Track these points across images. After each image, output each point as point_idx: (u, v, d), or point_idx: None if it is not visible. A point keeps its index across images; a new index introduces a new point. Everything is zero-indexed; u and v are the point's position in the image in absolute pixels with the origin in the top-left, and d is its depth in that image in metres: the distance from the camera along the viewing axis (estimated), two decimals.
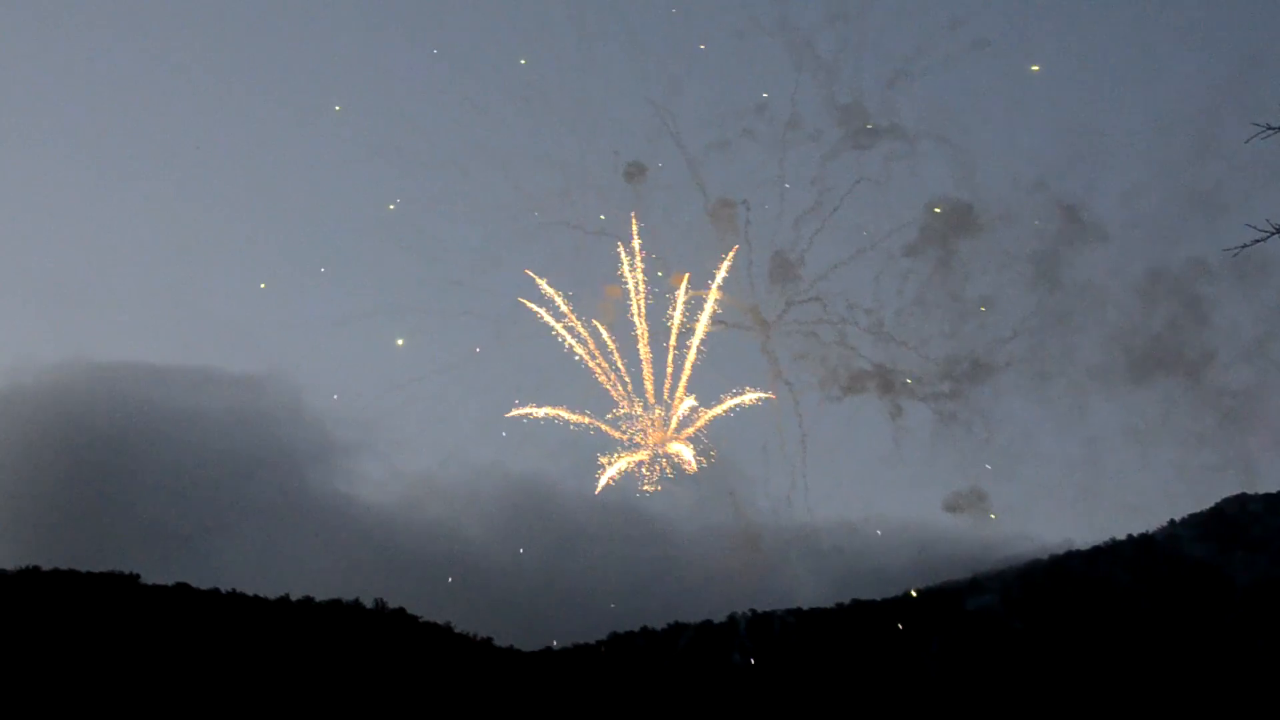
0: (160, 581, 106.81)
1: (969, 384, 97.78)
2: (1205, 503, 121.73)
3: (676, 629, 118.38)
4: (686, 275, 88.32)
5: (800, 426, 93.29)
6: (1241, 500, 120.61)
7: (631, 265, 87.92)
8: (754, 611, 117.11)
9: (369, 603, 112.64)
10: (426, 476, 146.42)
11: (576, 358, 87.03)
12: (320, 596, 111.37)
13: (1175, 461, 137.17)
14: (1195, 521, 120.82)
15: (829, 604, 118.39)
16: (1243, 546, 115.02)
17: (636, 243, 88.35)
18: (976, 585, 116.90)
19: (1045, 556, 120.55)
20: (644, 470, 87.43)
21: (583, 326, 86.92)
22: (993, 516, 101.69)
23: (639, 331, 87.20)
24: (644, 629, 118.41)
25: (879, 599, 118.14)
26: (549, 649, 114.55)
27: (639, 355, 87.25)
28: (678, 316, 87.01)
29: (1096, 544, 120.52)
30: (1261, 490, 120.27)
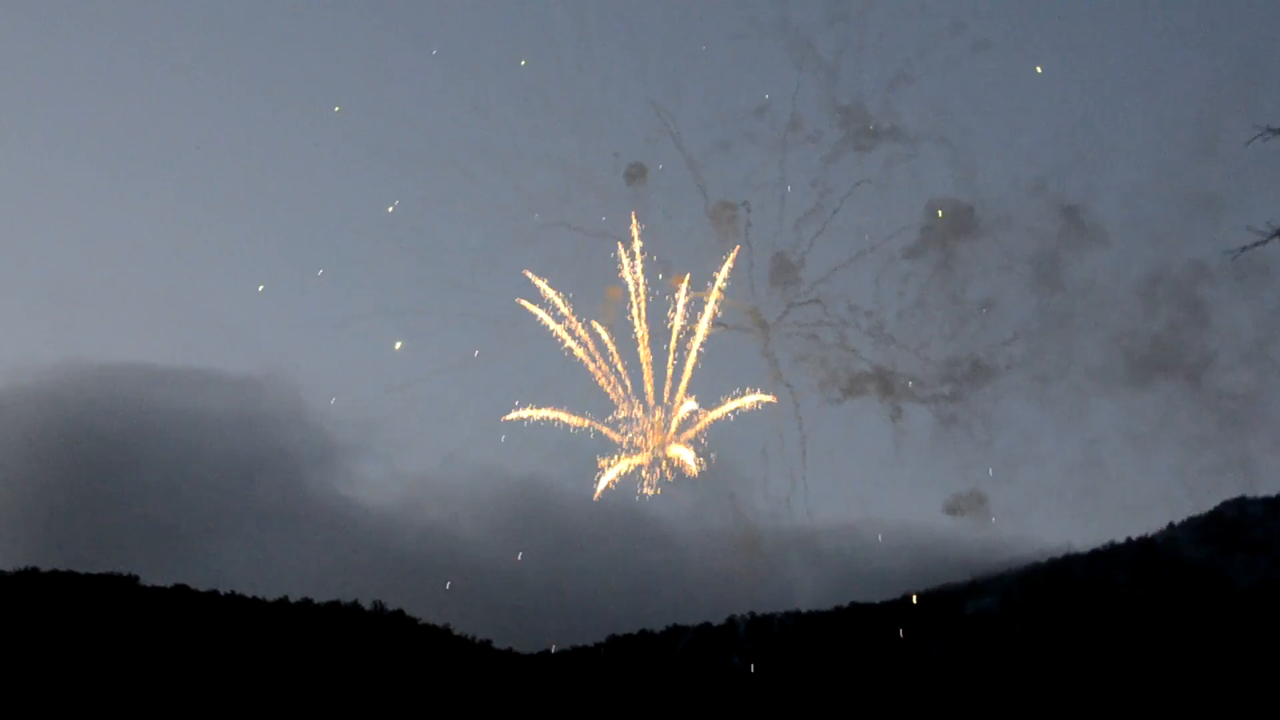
0: (159, 583, 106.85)
1: (969, 386, 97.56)
2: (1205, 505, 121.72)
3: (675, 631, 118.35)
4: (687, 276, 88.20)
5: (800, 429, 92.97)
6: (1241, 503, 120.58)
7: (632, 267, 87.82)
8: (753, 614, 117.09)
9: (368, 604, 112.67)
10: (426, 478, 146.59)
11: (577, 360, 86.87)
12: (319, 598, 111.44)
13: (1175, 464, 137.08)
14: (1195, 524, 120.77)
15: (828, 607, 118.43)
16: (1243, 549, 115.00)
17: (637, 244, 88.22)
18: (976, 588, 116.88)
19: (1045, 560, 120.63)
20: (644, 473, 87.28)
21: (582, 328, 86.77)
22: (993, 520, 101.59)
23: (639, 334, 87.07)
24: (643, 631, 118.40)
25: (878, 602, 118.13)
26: (548, 651, 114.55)
27: (639, 357, 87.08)
28: (678, 318, 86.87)
29: (1096, 547, 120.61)
30: (1261, 493, 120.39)
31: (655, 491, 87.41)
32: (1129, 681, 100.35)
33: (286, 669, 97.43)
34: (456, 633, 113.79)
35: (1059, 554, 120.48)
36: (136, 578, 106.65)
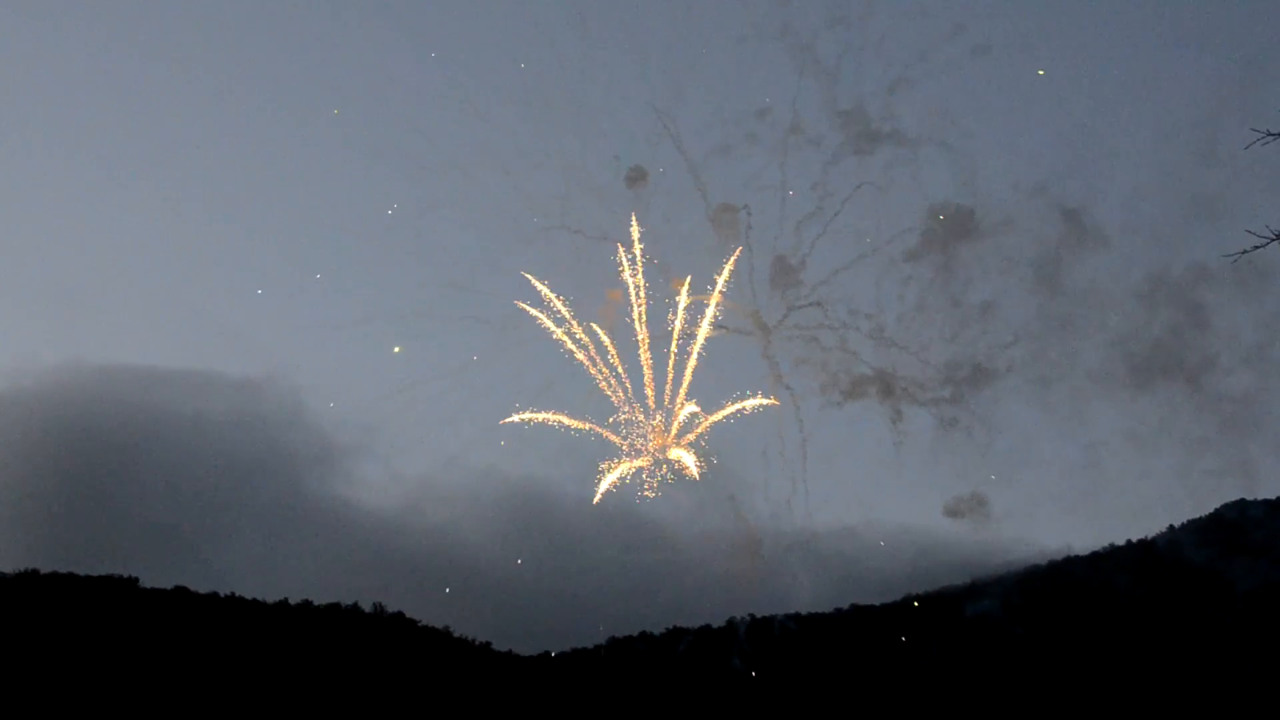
0: (159, 585, 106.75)
1: (970, 389, 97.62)
2: (1205, 508, 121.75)
3: (676, 633, 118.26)
4: (687, 279, 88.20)
5: (801, 431, 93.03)
6: (1241, 506, 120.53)
7: (632, 270, 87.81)
8: (753, 616, 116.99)
9: (368, 606, 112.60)
10: (426, 480, 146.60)
11: (578, 363, 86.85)
12: (319, 600, 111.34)
13: (1176, 467, 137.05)
14: (1195, 527, 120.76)
15: (828, 609, 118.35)
16: (1243, 552, 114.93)
17: (637, 247, 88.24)
18: (976, 590, 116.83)
19: (1045, 562, 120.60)
20: (644, 476, 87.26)
21: (583, 331, 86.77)
22: (994, 522, 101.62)
23: (640, 337, 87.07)
24: (643, 633, 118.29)
25: (878, 604, 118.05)
26: (548, 653, 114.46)
27: (639, 360, 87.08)
28: (678, 321, 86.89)
29: (1096, 549, 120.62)
30: (1262, 496, 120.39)
31: (655, 494, 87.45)
32: (1130, 683, 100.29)
33: (287, 671, 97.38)
34: (457, 635, 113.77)
35: (1059, 556, 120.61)
36: (136, 579, 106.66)
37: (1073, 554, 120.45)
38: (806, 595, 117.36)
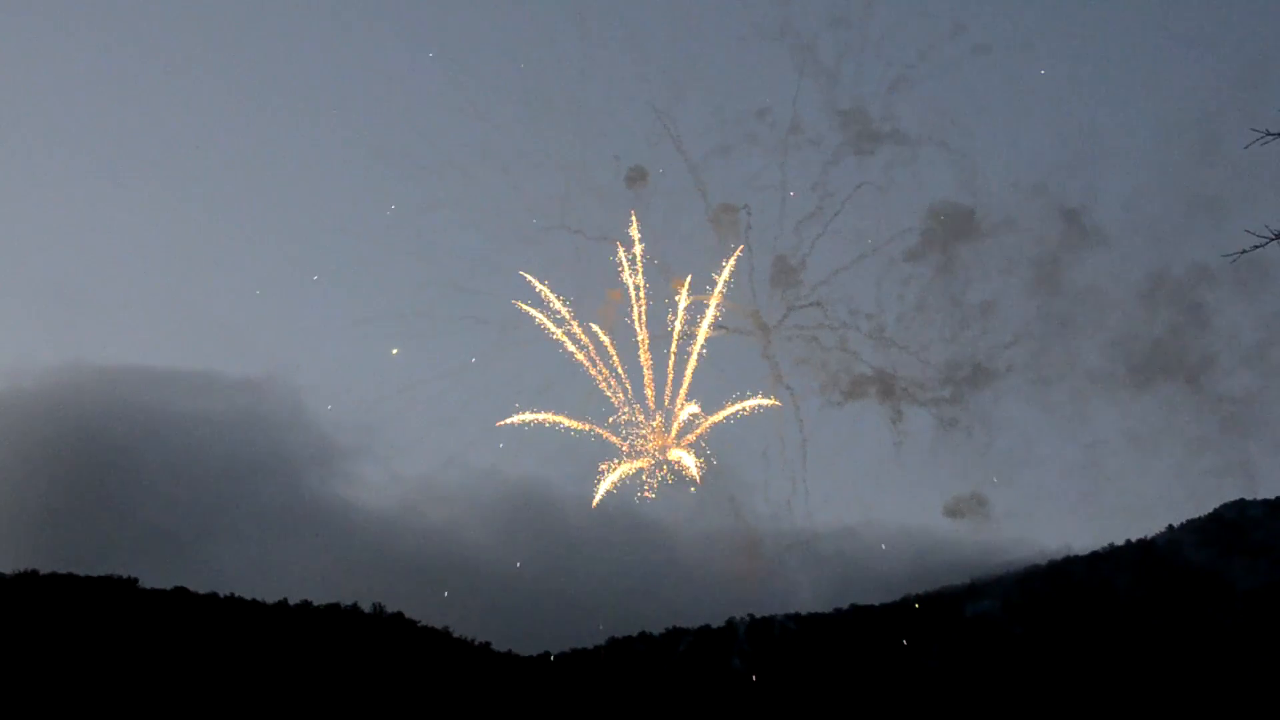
0: (158, 585, 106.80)
1: (970, 389, 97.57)
2: (1205, 508, 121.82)
3: (675, 634, 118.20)
4: (687, 279, 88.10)
5: (801, 431, 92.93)
6: (1241, 505, 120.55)
7: (632, 270, 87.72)
8: (752, 616, 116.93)
9: (367, 607, 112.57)
10: (426, 481, 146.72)
11: (576, 363, 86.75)
12: (318, 600, 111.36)
13: (1176, 467, 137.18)
14: (1195, 526, 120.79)
15: (828, 609, 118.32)
16: (1243, 552, 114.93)
17: (638, 247, 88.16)
18: (976, 591, 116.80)
19: (1044, 562, 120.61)
20: (644, 477, 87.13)
21: (582, 331, 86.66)
22: (994, 522, 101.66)
23: (640, 337, 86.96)
24: (642, 634, 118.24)
25: (878, 604, 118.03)
26: (547, 654, 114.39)
27: (639, 361, 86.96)
28: (679, 322, 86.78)
29: (1096, 549, 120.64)
30: (1261, 496, 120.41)
31: (655, 495, 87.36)
32: (1130, 683, 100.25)
33: (286, 671, 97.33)
34: (456, 635, 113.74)
35: (1059, 556, 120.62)
36: (136, 580, 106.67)
37: (1072, 554, 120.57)
38: (806, 595, 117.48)
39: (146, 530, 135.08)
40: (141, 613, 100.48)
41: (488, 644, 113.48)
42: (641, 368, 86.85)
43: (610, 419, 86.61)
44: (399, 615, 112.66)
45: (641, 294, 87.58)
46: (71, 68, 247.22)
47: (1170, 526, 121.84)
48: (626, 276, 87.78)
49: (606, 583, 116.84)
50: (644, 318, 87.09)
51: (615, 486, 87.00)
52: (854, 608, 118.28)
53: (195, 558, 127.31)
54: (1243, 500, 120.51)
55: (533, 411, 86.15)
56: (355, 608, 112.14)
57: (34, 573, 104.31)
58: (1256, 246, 19.83)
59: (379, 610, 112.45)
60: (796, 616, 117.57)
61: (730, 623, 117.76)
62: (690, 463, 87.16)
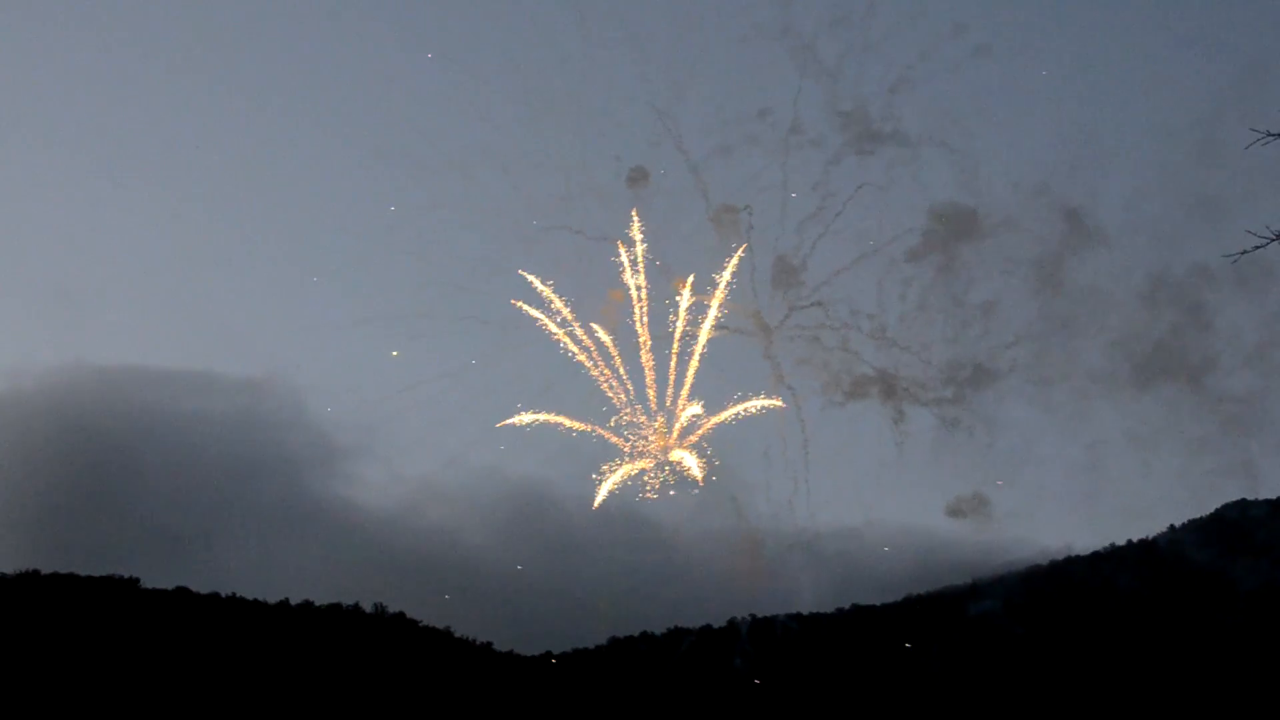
0: (160, 585, 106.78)
1: (971, 389, 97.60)
2: (1207, 508, 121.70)
3: (677, 634, 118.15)
4: (689, 279, 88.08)
5: (803, 432, 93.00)
6: (1243, 505, 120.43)
7: (634, 270, 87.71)
8: (754, 616, 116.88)
9: (369, 607, 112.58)
10: (427, 481, 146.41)
11: (578, 364, 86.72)
12: (320, 600, 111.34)
13: (1177, 467, 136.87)
14: (1197, 526, 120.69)
15: (830, 609, 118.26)
16: (1246, 552, 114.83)
17: (639, 248, 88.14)
18: (977, 590, 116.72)
19: (1046, 562, 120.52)
20: (646, 478, 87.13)
21: (583, 332, 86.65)
22: (996, 522, 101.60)
23: (641, 338, 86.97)
24: (644, 634, 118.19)
25: (880, 604, 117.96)
26: (549, 654, 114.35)
27: (640, 361, 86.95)
28: (680, 322, 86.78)
29: (1097, 549, 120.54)
30: (1263, 496, 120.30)
31: (657, 496, 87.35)
32: (1132, 683, 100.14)
33: (288, 671, 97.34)
34: (458, 635, 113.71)
35: (1060, 556, 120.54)
36: (137, 580, 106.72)
37: (1074, 554, 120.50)
38: (808, 595, 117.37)
39: (148, 530, 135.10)
40: (143, 613, 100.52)
41: (489, 644, 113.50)
42: (643, 368, 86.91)
43: (612, 420, 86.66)
44: (401, 615, 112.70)
45: (643, 294, 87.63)
46: (71, 68, 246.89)
47: (1172, 526, 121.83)
48: (628, 277, 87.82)
49: (608, 583, 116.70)
50: (645, 318, 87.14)
51: (617, 487, 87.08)
52: (856, 608, 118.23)
53: (197, 557, 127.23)
54: (1244, 500, 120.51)
55: (534, 412, 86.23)
56: (357, 608, 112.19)
57: (35, 573, 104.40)
58: (1258, 247, 19.77)
59: (380, 610, 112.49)
60: (798, 616, 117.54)
61: (732, 623, 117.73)
62: (692, 463, 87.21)
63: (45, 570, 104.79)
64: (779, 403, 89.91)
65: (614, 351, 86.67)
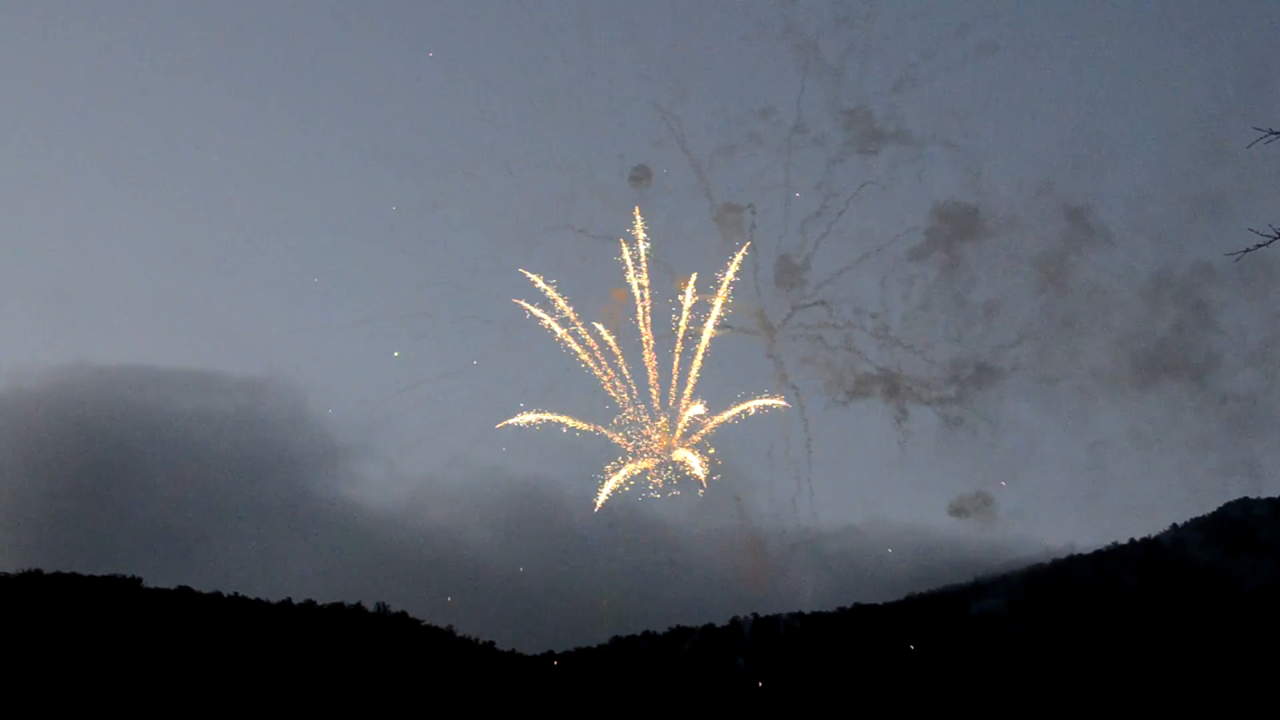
0: (162, 585, 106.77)
1: (974, 388, 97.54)
2: (1209, 507, 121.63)
3: (679, 633, 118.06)
4: (692, 278, 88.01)
5: (806, 431, 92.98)
6: (1245, 504, 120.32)
7: (637, 270, 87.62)
8: (756, 615, 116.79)
9: (371, 606, 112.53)
10: (429, 481, 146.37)
11: (580, 363, 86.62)
12: (322, 600, 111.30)
13: (1180, 465, 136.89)
14: (1199, 525, 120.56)
15: (832, 608, 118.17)
16: (1248, 550, 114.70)
17: (642, 247, 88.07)
18: (980, 589, 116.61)
19: (1048, 560, 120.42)
20: (649, 478, 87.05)
21: (586, 331, 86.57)
22: (1000, 521, 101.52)
23: (644, 337, 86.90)
24: (646, 633, 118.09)
25: (882, 603, 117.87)
26: (551, 653, 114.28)
27: (643, 361, 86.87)
28: (683, 321, 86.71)
29: (1100, 548, 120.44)
30: (1266, 494, 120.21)
31: (660, 495, 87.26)
32: (1136, 682, 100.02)
33: (290, 671, 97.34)
34: (460, 634, 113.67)
35: (1062, 555, 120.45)
36: (139, 580, 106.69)
37: (1077, 553, 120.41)
38: (811, 594, 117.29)
39: (150, 530, 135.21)
40: (145, 612, 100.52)
41: (491, 643, 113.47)
42: (646, 368, 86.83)
43: (615, 420, 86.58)
44: (403, 615, 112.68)
45: (646, 294, 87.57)
46: (71, 68, 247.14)
47: (1175, 525, 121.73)
48: (631, 276, 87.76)
49: (610, 582, 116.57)
50: (648, 318, 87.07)
51: (620, 487, 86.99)
52: (858, 607, 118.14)
53: (199, 557, 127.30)
54: (1247, 499, 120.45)
55: (536, 412, 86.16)
56: (359, 607, 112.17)
57: (38, 572, 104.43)
58: (1260, 245, 19.69)
59: (383, 610, 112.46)
60: (801, 615, 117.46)
61: (735, 622, 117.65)
62: (695, 463, 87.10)
63: (48, 570, 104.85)
64: (782, 402, 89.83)
65: (617, 351, 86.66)
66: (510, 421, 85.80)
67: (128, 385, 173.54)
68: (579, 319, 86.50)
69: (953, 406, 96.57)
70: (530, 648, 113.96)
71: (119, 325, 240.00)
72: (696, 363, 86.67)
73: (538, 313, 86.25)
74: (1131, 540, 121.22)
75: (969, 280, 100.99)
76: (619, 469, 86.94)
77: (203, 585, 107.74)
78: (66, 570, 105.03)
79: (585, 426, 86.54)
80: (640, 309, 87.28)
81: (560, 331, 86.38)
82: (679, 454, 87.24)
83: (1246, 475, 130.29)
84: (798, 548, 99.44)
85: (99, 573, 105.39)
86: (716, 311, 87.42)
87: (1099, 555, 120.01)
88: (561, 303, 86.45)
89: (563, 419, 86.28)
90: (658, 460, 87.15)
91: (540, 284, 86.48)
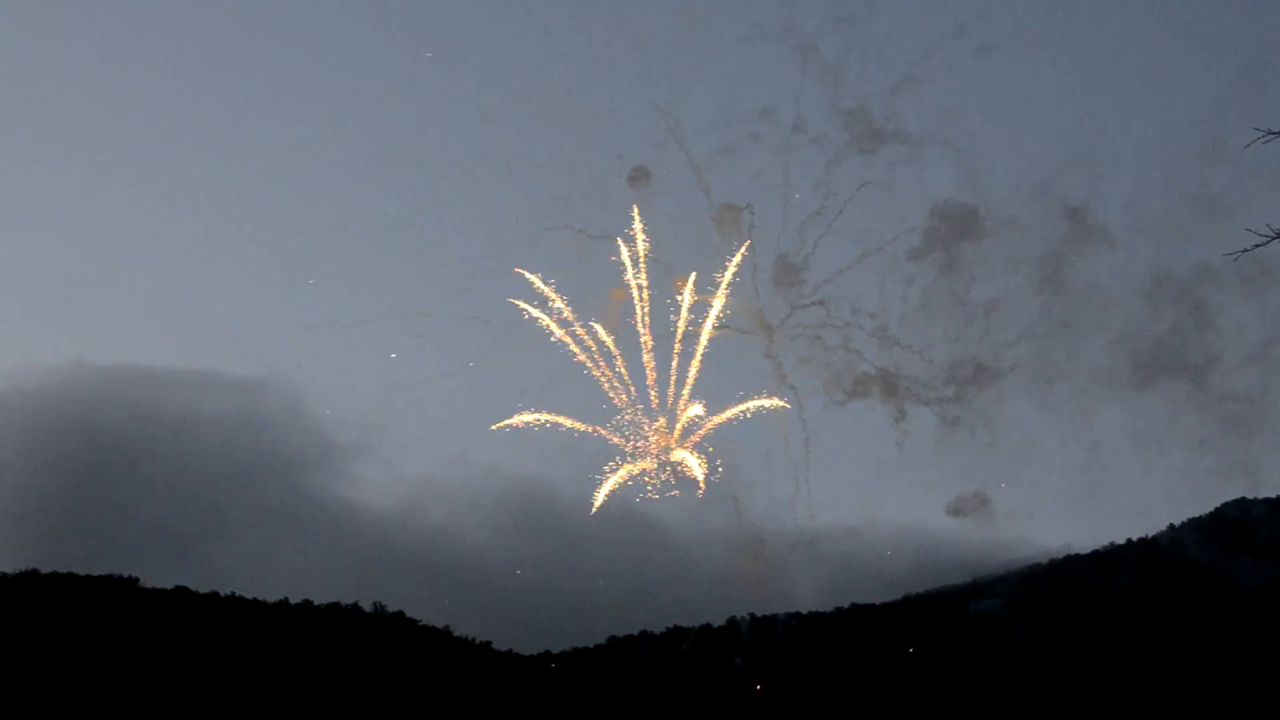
0: (159, 585, 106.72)
1: (973, 388, 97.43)
2: (1207, 507, 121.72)
3: (676, 633, 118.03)
4: (692, 277, 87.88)
5: (804, 431, 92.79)
6: (1243, 504, 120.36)
7: (635, 269, 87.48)
8: (754, 615, 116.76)
9: (368, 606, 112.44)
10: (427, 480, 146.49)
11: (579, 363, 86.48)
12: (320, 600, 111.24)
13: (1178, 465, 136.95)
14: (1197, 525, 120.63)
15: (830, 608, 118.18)
16: (1246, 550, 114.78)
17: (641, 247, 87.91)
18: (978, 589, 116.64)
19: (1046, 560, 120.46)
20: (646, 479, 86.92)
21: (584, 331, 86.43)
22: (998, 521, 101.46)
23: (642, 337, 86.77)
24: (643, 633, 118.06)
25: (880, 603, 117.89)
26: (548, 653, 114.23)
27: (642, 361, 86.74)
28: (681, 321, 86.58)
29: (1098, 548, 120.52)
30: (1264, 494, 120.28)
31: (658, 496, 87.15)
32: (1134, 682, 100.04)
33: (287, 670, 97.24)
34: (457, 634, 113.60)
35: (1060, 555, 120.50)
36: (137, 579, 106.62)
37: (1075, 552, 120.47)
38: (809, 594, 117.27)
39: (147, 529, 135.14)
40: (142, 612, 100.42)
41: (489, 643, 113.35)
42: (644, 368, 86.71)
43: (613, 419, 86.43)
44: (400, 614, 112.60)
45: (644, 293, 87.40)
46: (72, 68, 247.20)
47: (1173, 525, 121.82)
48: (629, 276, 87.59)
49: (608, 582, 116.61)
50: (647, 318, 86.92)
51: (618, 487, 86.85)
52: (856, 606, 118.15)
53: (196, 557, 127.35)
54: (1245, 499, 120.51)
55: (534, 412, 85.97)
56: (356, 607, 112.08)
57: (35, 572, 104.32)
58: (1257, 245, 19.58)
59: (380, 609, 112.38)
60: (799, 615, 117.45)
61: (732, 621, 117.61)
62: (694, 464, 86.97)
63: (45, 569, 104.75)
64: (780, 402, 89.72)
65: (615, 351, 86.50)
66: (507, 422, 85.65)
67: (126, 385, 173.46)
68: (577, 319, 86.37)
69: (951, 406, 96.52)
70: (528, 647, 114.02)
71: (117, 325, 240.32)
72: (695, 363, 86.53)
73: (536, 312, 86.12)
74: (1129, 540, 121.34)
75: (968, 280, 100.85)
76: (617, 469, 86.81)
77: (200, 585, 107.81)
78: (64, 570, 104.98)
79: (583, 427, 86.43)
80: (639, 309, 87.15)
81: (558, 331, 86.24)
82: (677, 454, 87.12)
83: (1244, 475, 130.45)
84: (796, 548, 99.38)
85: (96, 572, 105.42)
86: (715, 311, 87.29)
87: (1097, 555, 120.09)
88: (560, 302, 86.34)
89: (561, 419, 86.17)
90: (656, 460, 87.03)
91: (538, 284, 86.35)
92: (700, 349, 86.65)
